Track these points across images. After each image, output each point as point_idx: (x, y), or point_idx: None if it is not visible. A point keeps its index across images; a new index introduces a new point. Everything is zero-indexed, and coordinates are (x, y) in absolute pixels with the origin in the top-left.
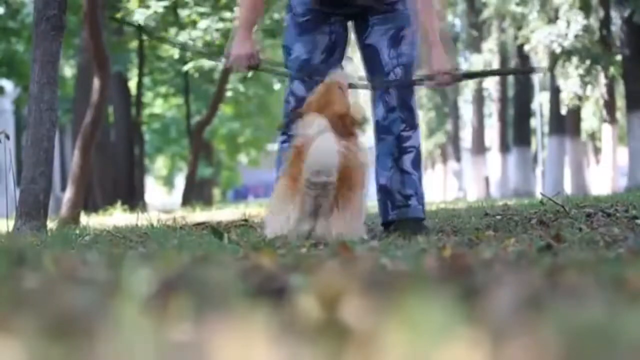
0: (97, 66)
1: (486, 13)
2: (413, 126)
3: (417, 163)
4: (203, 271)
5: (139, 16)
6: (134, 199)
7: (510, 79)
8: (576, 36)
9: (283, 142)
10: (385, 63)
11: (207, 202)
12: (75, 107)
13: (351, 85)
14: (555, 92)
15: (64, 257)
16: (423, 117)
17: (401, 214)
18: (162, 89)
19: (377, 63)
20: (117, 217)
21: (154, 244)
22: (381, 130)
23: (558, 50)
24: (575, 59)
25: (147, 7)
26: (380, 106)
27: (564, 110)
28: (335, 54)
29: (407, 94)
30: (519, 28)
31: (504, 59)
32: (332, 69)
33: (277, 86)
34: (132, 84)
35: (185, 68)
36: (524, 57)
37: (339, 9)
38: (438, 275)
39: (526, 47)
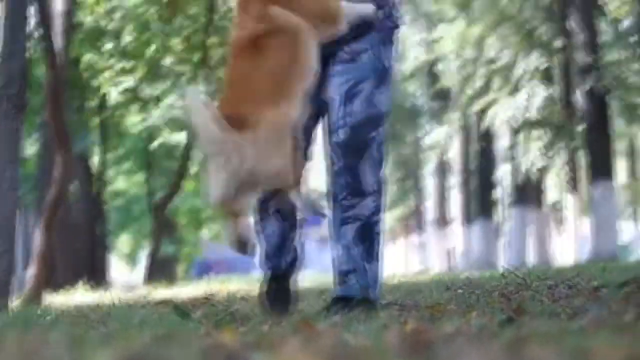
0: (59, 144)
1: (445, 82)
2: (358, 194)
3: (363, 236)
4: (164, 350)
5: (112, 94)
6: (97, 276)
7: (473, 150)
8: (538, 108)
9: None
10: (334, 122)
11: (171, 278)
12: (38, 185)
13: None
14: (517, 163)
15: (23, 339)
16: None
17: (340, 291)
18: (125, 166)
19: (328, 121)
20: (80, 295)
21: (115, 323)
22: (330, 197)
23: (519, 123)
24: (537, 131)
25: (118, 84)
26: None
27: (522, 181)
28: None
29: (355, 157)
30: (481, 100)
31: (466, 131)
32: None
33: None
34: (94, 162)
35: (152, 146)
36: (485, 130)
37: None
38: (400, 350)
39: (487, 120)
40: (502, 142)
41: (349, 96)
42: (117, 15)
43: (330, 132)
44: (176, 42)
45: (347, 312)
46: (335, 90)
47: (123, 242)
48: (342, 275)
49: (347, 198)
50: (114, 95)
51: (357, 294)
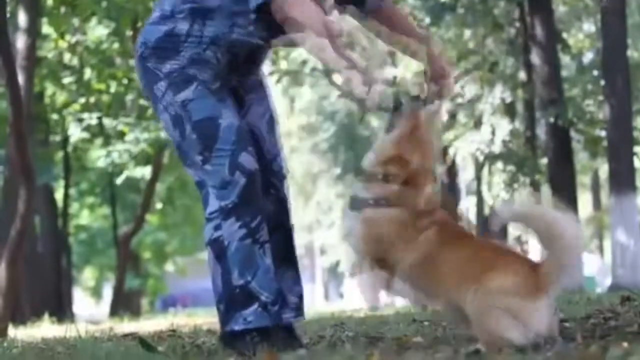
0: (23, 178)
1: None
2: (291, 218)
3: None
4: None
5: (74, 130)
6: (62, 310)
7: (437, 183)
8: (503, 141)
9: (243, 237)
10: (267, 151)
11: (135, 312)
12: (2, 219)
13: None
14: (481, 196)
15: None
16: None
17: (299, 315)
18: (89, 200)
19: (259, 149)
20: (46, 328)
21: (82, 356)
22: (271, 224)
23: (482, 157)
24: (500, 164)
25: (81, 120)
26: (268, 199)
27: (487, 214)
28: None
29: (287, 184)
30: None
31: None
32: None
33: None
34: (59, 195)
35: (119, 181)
36: (450, 164)
37: (242, 69)
38: None
39: (451, 153)
40: (466, 176)
41: (272, 126)
42: (80, 49)
43: (265, 161)
44: None
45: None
46: (258, 119)
47: (87, 275)
48: (300, 300)
49: (290, 223)
50: (77, 131)
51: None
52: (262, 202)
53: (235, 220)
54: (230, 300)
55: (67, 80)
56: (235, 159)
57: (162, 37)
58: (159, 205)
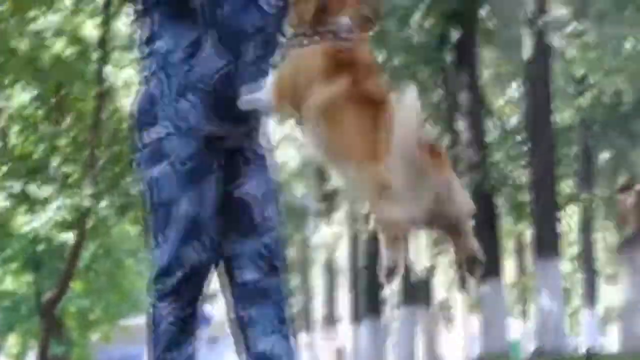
0: None
1: (333, 184)
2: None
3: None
4: None
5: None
6: None
7: (362, 247)
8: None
9: (172, 323)
10: (258, 224)
11: None
12: None
13: None
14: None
15: None
16: None
17: None
18: (13, 266)
19: (248, 221)
20: None
21: None
22: (258, 293)
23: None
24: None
25: (4, 187)
26: (254, 264)
27: (411, 279)
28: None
29: (283, 250)
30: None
31: (354, 230)
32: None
33: (128, 261)
34: None
35: (40, 248)
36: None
37: (224, 140)
38: None
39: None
40: None
41: (269, 200)
42: (4, 115)
43: (255, 233)
44: (63, 143)
45: None
46: (255, 191)
47: (11, 342)
48: None
49: (285, 292)
50: (1, 198)
51: None
52: (200, 293)
53: (167, 305)
54: None
55: None
56: (177, 251)
57: (145, 98)
58: (83, 272)
